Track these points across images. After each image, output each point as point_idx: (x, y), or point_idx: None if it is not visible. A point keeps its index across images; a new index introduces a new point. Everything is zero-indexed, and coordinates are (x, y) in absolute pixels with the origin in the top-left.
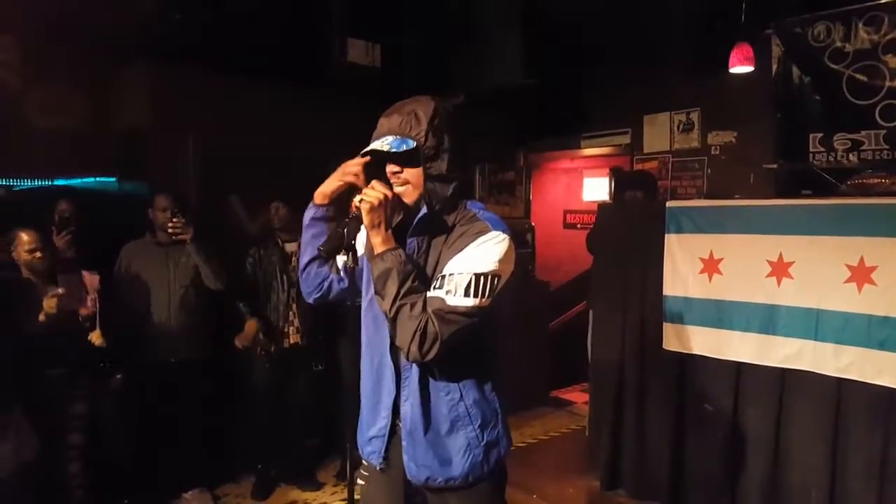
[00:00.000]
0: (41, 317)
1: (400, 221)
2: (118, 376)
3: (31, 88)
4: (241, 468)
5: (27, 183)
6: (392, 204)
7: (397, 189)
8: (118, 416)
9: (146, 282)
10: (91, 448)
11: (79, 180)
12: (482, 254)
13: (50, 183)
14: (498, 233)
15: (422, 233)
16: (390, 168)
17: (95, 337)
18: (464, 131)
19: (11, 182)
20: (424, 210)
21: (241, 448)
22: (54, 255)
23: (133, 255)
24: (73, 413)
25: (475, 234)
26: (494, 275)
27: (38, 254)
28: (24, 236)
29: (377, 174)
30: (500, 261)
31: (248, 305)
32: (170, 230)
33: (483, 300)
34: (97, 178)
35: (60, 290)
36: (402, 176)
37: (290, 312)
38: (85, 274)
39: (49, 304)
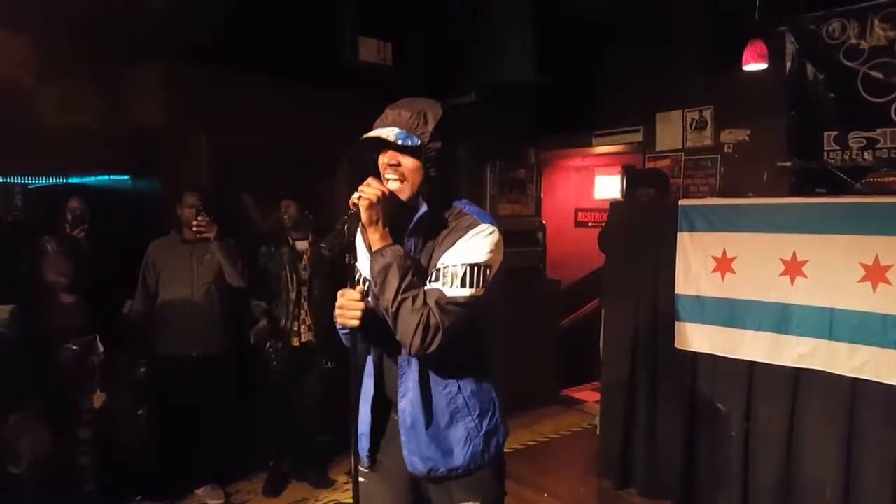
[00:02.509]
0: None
1: (394, 218)
2: (142, 370)
3: (45, 87)
4: (254, 465)
5: (42, 181)
6: (388, 200)
7: (391, 185)
8: (135, 410)
9: (170, 277)
10: (105, 443)
11: (93, 178)
12: (473, 246)
13: (64, 181)
14: (486, 225)
15: (420, 231)
16: (390, 159)
17: (97, 399)
18: (460, 134)
19: (27, 180)
20: (425, 208)
21: (253, 444)
22: (77, 275)
23: (159, 250)
24: (83, 407)
25: (465, 228)
26: (486, 265)
27: (63, 280)
28: (54, 265)
29: (373, 167)
30: (491, 251)
31: (261, 305)
32: (194, 228)
33: (478, 290)
34: (111, 177)
35: (74, 348)
36: (400, 168)
37: (301, 310)
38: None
39: (65, 356)
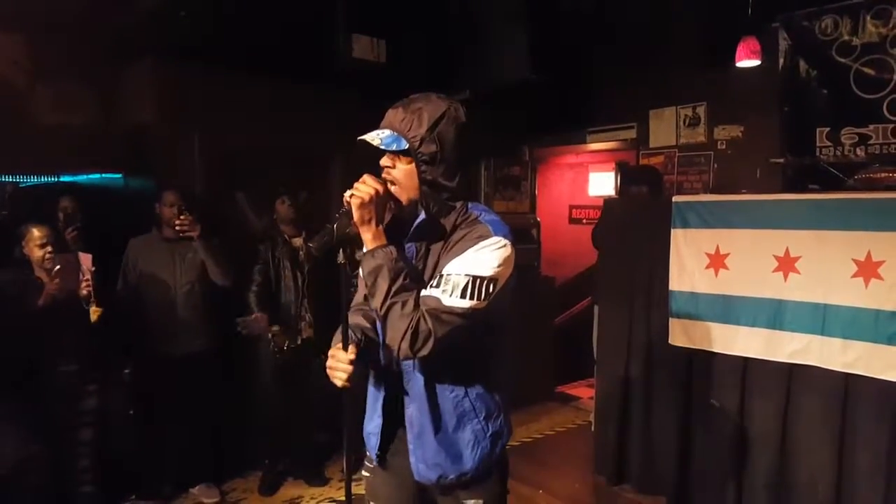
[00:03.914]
0: (41, 300)
1: (392, 219)
2: (126, 371)
3: (37, 85)
4: (249, 463)
5: (33, 179)
6: (384, 200)
7: (390, 186)
8: (125, 410)
9: (151, 276)
10: (100, 443)
11: (84, 177)
12: (482, 258)
13: (56, 179)
14: (499, 238)
15: (420, 237)
16: (382, 162)
17: (93, 313)
18: (470, 137)
19: (18, 178)
20: (423, 216)
21: (248, 443)
22: (63, 251)
23: (139, 249)
24: (83, 409)
25: (476, 237)
26: (491, 279)
27: (49, 248)
28: (36, 231)
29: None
30: (499, 266)
31: (258, 300)
32: (177, 227)
33: (479, 303)
34: (103, 175)
35: (58, 266)
36: (393, 172)
37: (303, 308)
38: (80, 254)
39: (50, 286)
